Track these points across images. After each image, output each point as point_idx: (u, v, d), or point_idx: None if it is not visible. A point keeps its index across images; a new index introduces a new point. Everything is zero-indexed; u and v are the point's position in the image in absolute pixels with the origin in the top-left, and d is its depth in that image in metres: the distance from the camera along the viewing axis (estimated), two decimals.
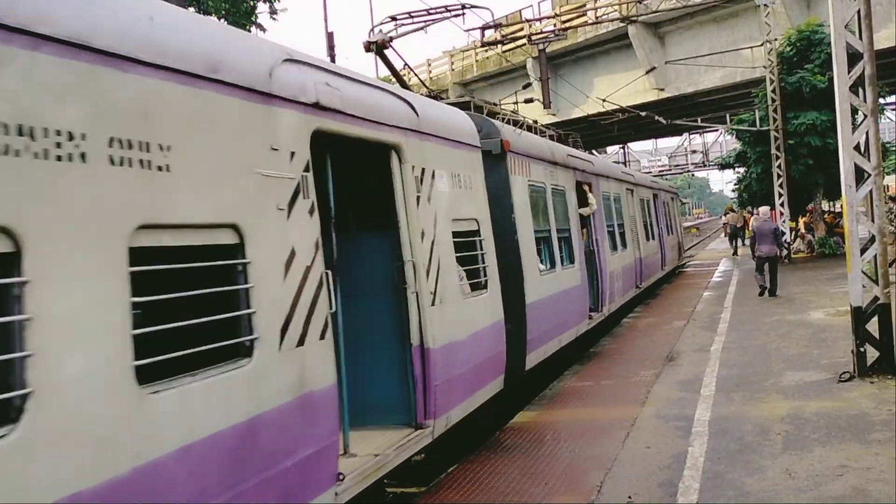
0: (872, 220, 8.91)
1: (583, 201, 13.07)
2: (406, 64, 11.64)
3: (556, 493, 6.17)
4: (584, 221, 13.15)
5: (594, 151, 39.07)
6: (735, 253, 32.16)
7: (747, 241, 28.72)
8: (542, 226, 10.52)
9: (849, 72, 8.72)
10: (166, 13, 4.04)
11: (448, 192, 7.21)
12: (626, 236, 16.68)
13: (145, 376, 3.44)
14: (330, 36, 23.23)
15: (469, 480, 6.66)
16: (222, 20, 25.05)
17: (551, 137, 13.45)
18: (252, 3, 28.33)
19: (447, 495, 6.35)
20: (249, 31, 25.35)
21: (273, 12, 29.02)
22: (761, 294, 17.06)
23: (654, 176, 42.54)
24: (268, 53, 4.84)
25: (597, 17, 30.88)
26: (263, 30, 28.50)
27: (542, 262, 10.35)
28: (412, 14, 11.28)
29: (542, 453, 7.26)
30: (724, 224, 39.04)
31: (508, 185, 8.98)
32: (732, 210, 36.31)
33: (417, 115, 6.80)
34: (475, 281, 7.79)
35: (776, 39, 24.92)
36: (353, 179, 6.47)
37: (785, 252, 23.49)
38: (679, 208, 29.04)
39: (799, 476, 5.94)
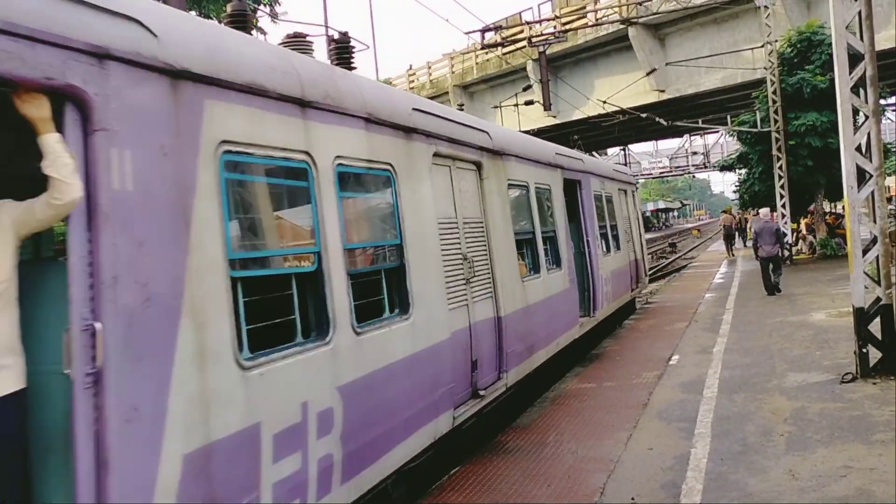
0: (874, 221, 8.90)
1: None
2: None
3: (559, 495, 6.17)
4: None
5: (595, 154, 39.04)
6: (731, 254, 32.26)
7: (749, 243, 28.90)
8: None
9: (850, 73, 8.73)
10: None
11: None
12: (424, 286, 6.61)
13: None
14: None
15: (472, 482, 6.66)
16: (223, 23, 25.07)
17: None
18: (253, 7, 28.37)
19: (450, 497, 6.35)
20: (250, 34, 25.32)
21: (273, 16, 29.07)
22: (770, 294, 17.18)
23: (655, 178, 42.30)
24: None
25: (597, 19, 30.89)
26: (264, 33, 28.58)
27: None
28: None
29: (545, 455, 7.26)
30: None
31: None
32: (727, 212, 36.61)
33: None
34: None
35: (776, 41, 24.94)
36: None
37: (786, 253, 23.49)
38: (639, 205, 19.07)
39: (802, 477, 5.93)
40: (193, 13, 21.29)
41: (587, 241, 13.09)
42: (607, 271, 14.17)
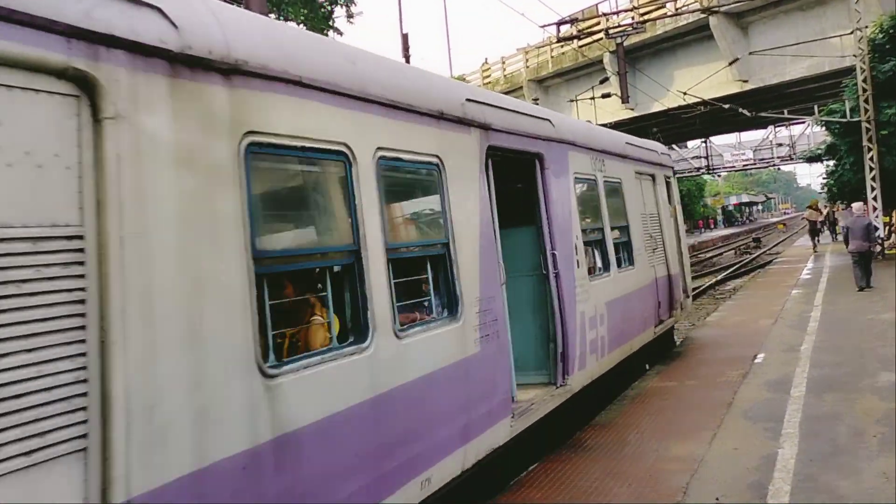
0: None
1: None
2: None
3: (640, 495, 6.10)
4: None
5: (675, 147, 38.28)
6: (816, 249, 31.37)
7: (839, 237, 27.98)
8: None
9: None
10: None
11: None
12: None
13: None
14: (405, 38, 23.44)
15: (550, 479, 6.65)
16: (301, 25, 25.61)
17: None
18: (329, 9, 28.93)
19: (528, 494, 6.35)
20: (327, 35, 25.84)
21: (350, 16, 29.56)
22: (860, 290, 16.69)
23: (738, 171, 41.28)
24: None
25: (676, 9, 30.27)
26: (341, 34, 29.07)
27: None
28: None
29: (625, 453, 7.18)
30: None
31: None
32: (812, 207, 35.41)
33: None
34: None
35: (867, 27, 23.92)
36: None
37: (878, 248, 22.56)
38: (676, 194, 14.34)
39: None
40: (272, 16, 21.83)
41: (552, 255, 7.90)
42: (600, 303, 8.93)
